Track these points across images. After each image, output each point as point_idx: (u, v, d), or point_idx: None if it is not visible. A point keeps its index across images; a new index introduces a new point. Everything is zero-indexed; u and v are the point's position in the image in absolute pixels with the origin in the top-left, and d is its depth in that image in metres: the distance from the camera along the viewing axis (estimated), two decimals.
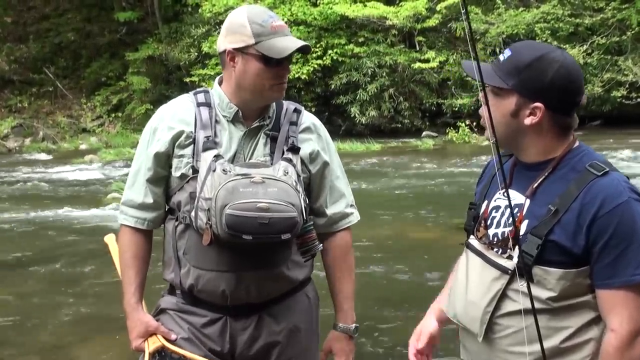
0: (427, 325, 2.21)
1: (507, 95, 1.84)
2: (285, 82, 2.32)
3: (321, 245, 2.46)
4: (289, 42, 2.24)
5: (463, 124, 18.84)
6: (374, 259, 7.24)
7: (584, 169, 1.80)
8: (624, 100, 18.91)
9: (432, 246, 7.77)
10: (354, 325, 2.51)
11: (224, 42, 2.30)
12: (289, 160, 2.29)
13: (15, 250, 8.39)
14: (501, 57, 1.88)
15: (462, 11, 1.64)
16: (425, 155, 16.53)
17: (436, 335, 2.21)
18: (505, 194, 1.81)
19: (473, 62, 1.74)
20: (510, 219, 1.85)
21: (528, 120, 1.83)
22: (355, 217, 2.55)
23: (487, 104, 1.78)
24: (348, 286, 2.51)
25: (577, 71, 1.84)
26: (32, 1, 27.26)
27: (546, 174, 1.85)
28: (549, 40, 18.53)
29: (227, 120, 2.35)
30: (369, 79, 20.16)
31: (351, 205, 2.54)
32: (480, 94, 1.83)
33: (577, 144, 1.88)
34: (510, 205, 1.80)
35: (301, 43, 2.26)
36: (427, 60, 19.72)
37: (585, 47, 19.08)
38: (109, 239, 2.78)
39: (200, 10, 21.51)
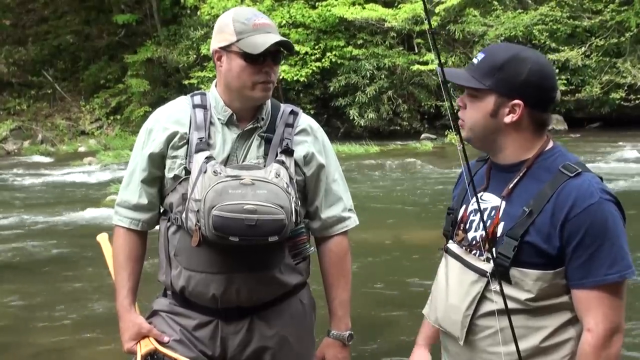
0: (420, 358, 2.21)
1: (484, 96, 1.86)
2: (270, 81, 2.29)
3: (312, 248, 2.44)
4: (267, 38, 2.23)
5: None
6: (372, 261, 7.23)
7: (557, 171, 1.82)
8: (622, 102, 18.94)
9: (430, 248, 7.75)
10: (347, 332, 2.46)
11: (213, 42, 2.33)
12: (282, 163, 2.28)
13: (14, 252, 8.37)
14: (475, 61, 1.90)
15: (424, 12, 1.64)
16: (424, 157, 16.51)
17: None
18: (475, 199, 1.83)
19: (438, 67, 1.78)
20: (488, 221, 1.87)
21: (508, 119, 1.84)
22: (352, 222, 2.51)
23: (451, 106, 1.81)
24: (343, 292, 2.47)
25: (549, 68, 1.88)
26: (31, 4, 27.26)
27: (521, 174, 1.87)
28: (547, 42, 18.57)
29: (222, 123, 2.35)
30: (367, 81, 20.17)
31: (349, 210, 2.50)
32: (457, 101, 1.90)
33: (551, 144, 1.90)
34: (480, 210, 1.83)
35: (279, 38, 2.25)
36: (426, 63, 19.73)
37: (583, 49, 19.12)
38: (102, 238, 2.77)
39: (199, 13, 21.51)
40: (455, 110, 1.92)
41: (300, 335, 2.47)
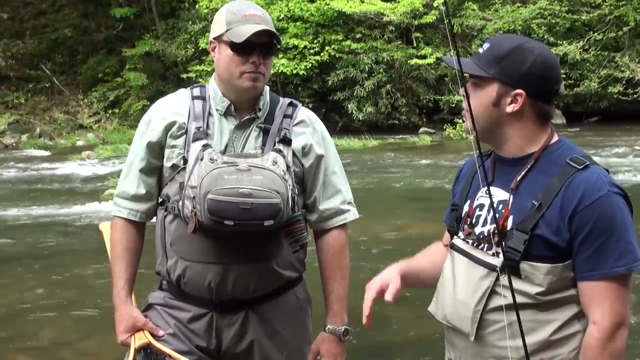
0: (388, 277, 2.04)
1: (487, 84, 1.86)
2: (258, 72, 2.30)
3: (310, 236, 2.44)
4: (252, 28, 2.25)
5: (460, 120, 18.84)
6: (371, 255, 7.24)
7: (565, 163, 1.81)
8: (620, 97, 18.95)
9: (429, 242, 7.77)
10: (343, 327, 2.44)
11: (210, 34, 2.37)
12: (279, 151, 2.30)
13: (13, 246, 8.38)
14: (480, 50, 1.90)
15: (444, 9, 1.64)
16: (422, 151, 16.53)
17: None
18: (487, 191, 1.82)
19: (454, 55, 1.77)
20: (496, 215, 1.86)
21: (510, 108, 1.84)
22: (351, 215, 2.50)
23: (467, 97, 1.82)
24: (340, 287, 2.46)
25: (554, 60, 1.88)
26: None
27: (528, 167, 1.86)
28: (545, 37, 18.55)
29: (220, 114, 2.37)
30: (366, 75, 20.16)
31: (348, 203, 2.50)
32: (461, 89, 1.87)
33: (556, 138, 1.90)
34: (492, 203, 1.81)
35: (261, 27, 2.26)
36: (424, 57, 19.72)
37: (582, 43, 19.11)
38: (104, 227, 2.77)
39: (197, 7, 21.49)
40: (461, 101, 1.91)
41: (294, 329, 2.47)
